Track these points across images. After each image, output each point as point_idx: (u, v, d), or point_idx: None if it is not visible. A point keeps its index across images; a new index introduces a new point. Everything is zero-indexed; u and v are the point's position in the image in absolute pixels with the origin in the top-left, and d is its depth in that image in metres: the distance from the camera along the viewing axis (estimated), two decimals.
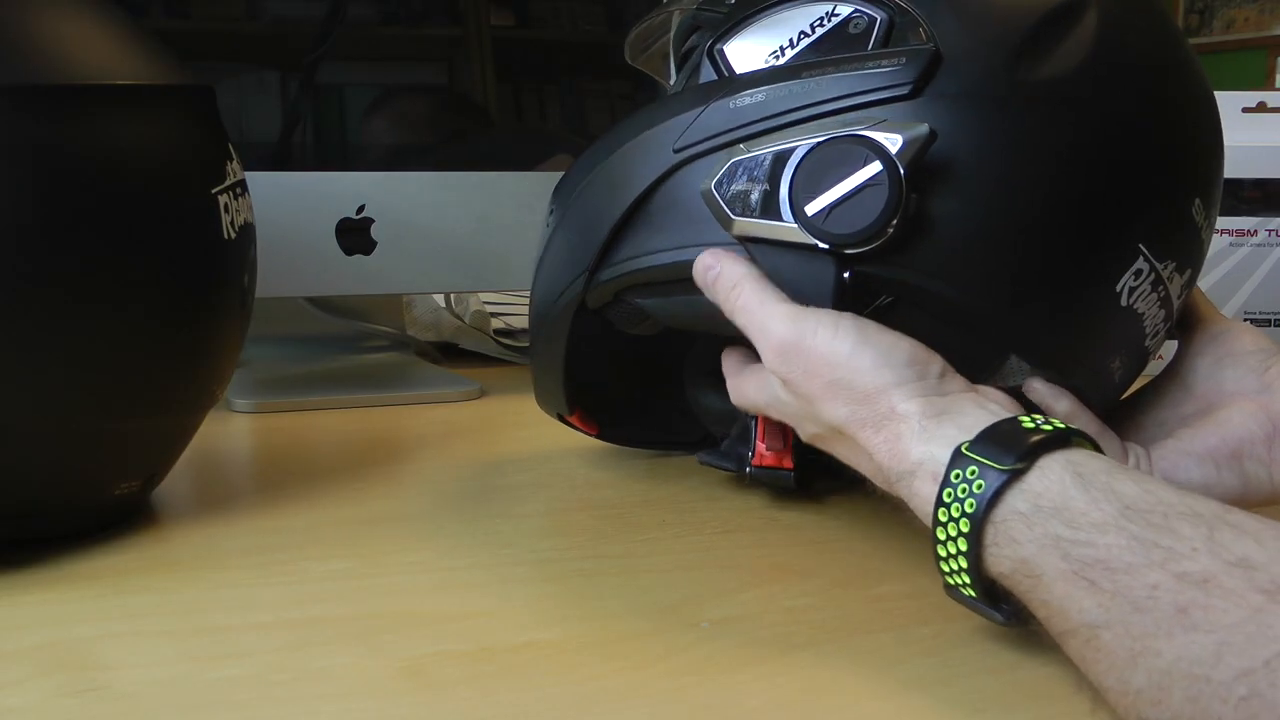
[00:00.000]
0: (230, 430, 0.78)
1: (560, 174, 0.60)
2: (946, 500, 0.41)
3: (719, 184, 0.50)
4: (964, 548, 0.40)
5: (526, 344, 1.02)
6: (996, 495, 0.39)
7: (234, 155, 0.57)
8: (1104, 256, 0.49)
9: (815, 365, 0.46)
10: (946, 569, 0.42)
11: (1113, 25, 0.50)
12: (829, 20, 0.51)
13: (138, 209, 0.50)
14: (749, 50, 0.52)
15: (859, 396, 0.45)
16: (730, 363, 0.56)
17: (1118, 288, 0.49)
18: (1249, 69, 4.37)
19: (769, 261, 0.49)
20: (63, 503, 0.53)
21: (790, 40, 0.51)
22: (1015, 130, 0.48)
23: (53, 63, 0.48)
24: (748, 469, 0.59)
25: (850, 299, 0.48)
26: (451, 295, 1.07)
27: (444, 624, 0.47)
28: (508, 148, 0.98)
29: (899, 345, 0.46)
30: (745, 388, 0.53)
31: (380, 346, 1.00)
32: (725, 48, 0.53)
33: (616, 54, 1.00)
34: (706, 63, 0.53)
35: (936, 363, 0.46)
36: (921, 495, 0.42)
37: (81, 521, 0.54)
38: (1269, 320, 0.92)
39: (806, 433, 0.50)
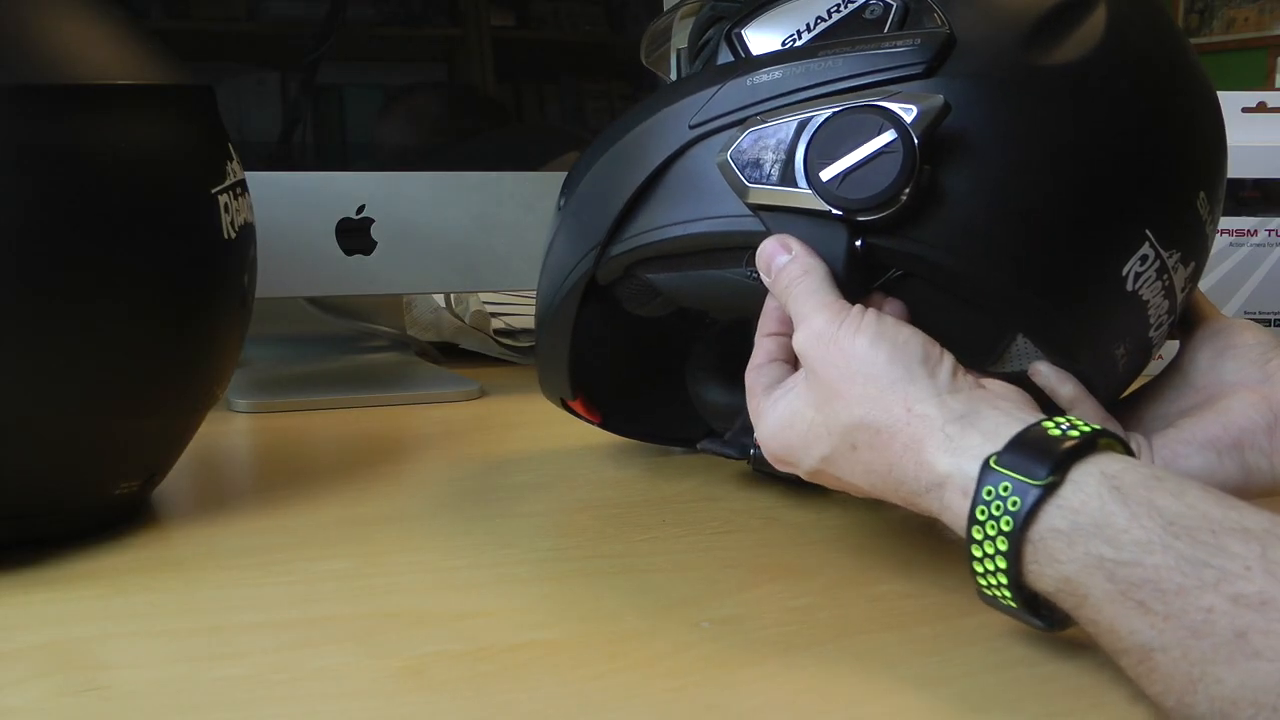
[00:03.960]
0: (230, 430, 0.78)
1: (566, 173, 0.60)
2: (980, 518, 0.40)
3: (735, 153, 0.50)
4: (1003, 565, 0.40)
5: (527, 344, 1.03)
6: (1032, 512, 0.39)
7: (234, 155, 0.57)
8: (1110, 239, 0.49)
9: (835, 355, 0.46)
10: (984, 582, 0.41)
11: (1121, 19, 0.51)
12: (845, 6, 0.52)
13: (138, 209, 0.50)
14: (766, 34, 0.53)
15: (873, 393, 0.44)
16: (754, 380, 0.52)
17: (1124, 272, 0.50)
18: (1249, 69, 4.37)
19: (783, 230, 0.49)
20: (63, 503, 0.53)
21: (807, 24, 0.52)
22: (1027, 111, 0.48)
23: (53, 63, 0.48)
24: (751, 451, 0.59)
25: (862, 270, 0.48)
26: (451, 295, 1.07)
27: (444, 624, 0.47)
28: (517, 146, 0.98)
29: (912, 341, 0.45)
30: (761, 406, 0.50)
31: (380, 346, 1.00)
32: (743, 31, 0.54)
33: (616, 54, 1.01)
34: (724, 46, 0.54)
35: (948, 359, 0.46)
36: (954, 510, 0.42)
37: (81, 521, 0.54)
38: (1269, 320, 0.92)
39: (816, 457, 0.47)
